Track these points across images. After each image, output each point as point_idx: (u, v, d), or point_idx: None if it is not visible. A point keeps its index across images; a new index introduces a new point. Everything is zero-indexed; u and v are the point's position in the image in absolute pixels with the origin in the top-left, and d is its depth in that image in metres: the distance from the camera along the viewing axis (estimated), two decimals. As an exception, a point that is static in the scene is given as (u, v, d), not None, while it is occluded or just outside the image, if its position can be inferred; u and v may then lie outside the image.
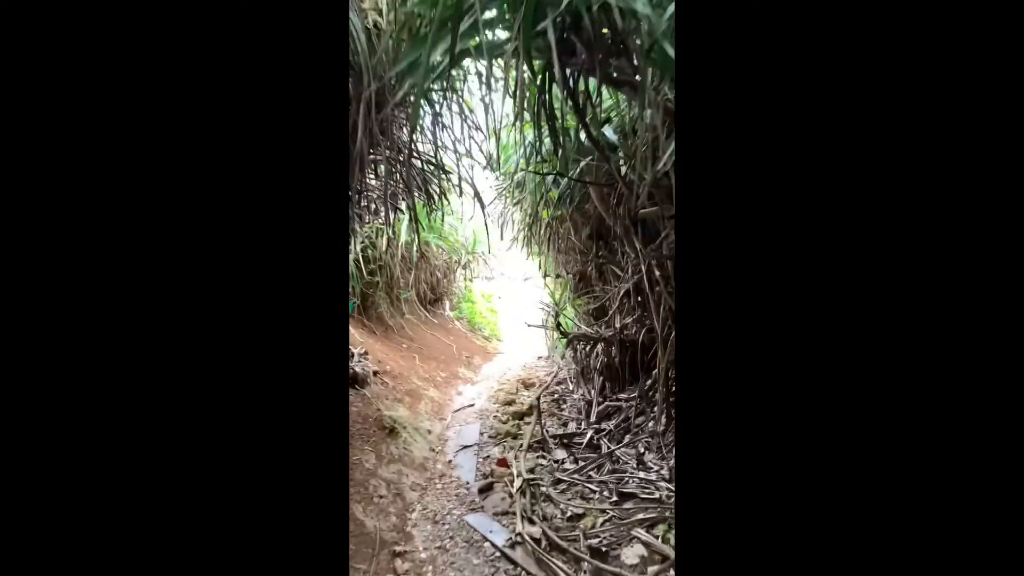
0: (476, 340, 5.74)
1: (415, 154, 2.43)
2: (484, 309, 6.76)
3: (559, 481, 2.15)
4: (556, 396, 3.41)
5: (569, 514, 1.85)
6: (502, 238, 4.15)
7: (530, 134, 2.81)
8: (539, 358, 5.26)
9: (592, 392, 3.08)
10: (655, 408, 2.54)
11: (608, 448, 2.37)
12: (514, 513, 1.90)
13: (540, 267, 5.26)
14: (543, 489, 2.04)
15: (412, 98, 1.91)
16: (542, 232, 3.66)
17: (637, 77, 1.63)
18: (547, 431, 2.65)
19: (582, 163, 2.38)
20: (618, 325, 3.06)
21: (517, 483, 2.11)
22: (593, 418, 2.82)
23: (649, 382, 2.75)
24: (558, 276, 4.27)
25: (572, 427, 2.85)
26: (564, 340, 3.45)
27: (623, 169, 2.47)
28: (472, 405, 3.40)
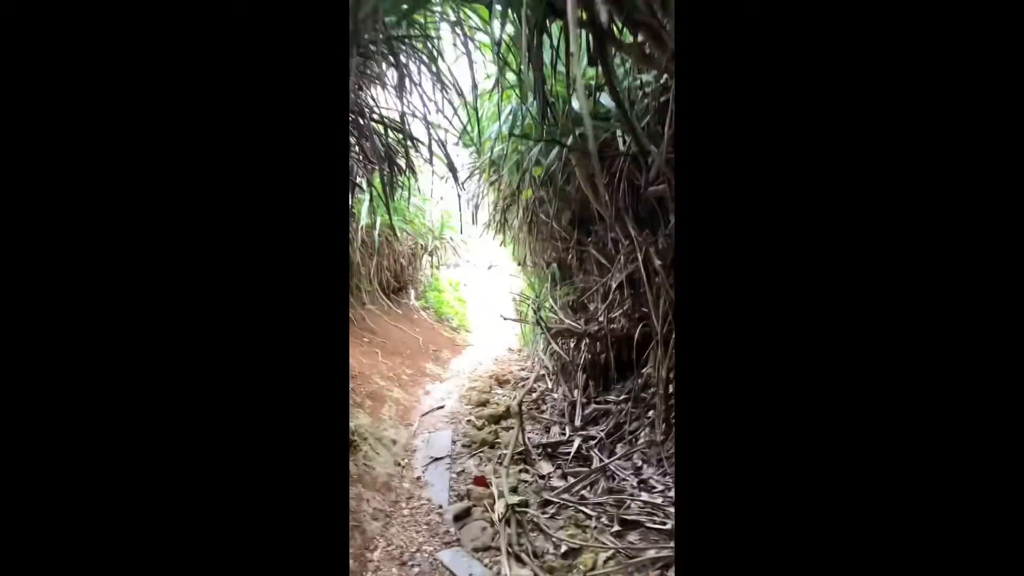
0: (444, 331, 5.38)
1: (376, 116, 2.03)
2: (452, 298, 6.39)
3: (547, 503, 1.85)
4: (535, 395, 3.12)
5: (564, 549, 1.55)
6: (474, 222, 3.78)
7: (513, 100, 2.47)
8: (510, 350, 4.97)
9: (575, 392, 2.80)
10: (651, 413, 2.28)
11: (600, 460, 2.09)
12: (497, 548, 1.59)
13: (513, 255, 4.93)
14: (530, 515, 1.74)
15: (368, 35, 1.53)
16: (520, 215, 3.32)
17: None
18: (529, 440, 2.35)
19: (577, 132, 2.05)
20: (602, 318, 2.79)
21: (499, 507, 1.79)
22: (578, 422, 2.54)
23: (640, 381, 2.49)
24: (535, 264, 3.95)
25: (555, 432, 2.56)
26: (541, 333, 3.16)
27: (623, 140, 2.17)
28: (442, 407, 3.06)
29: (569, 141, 2.02)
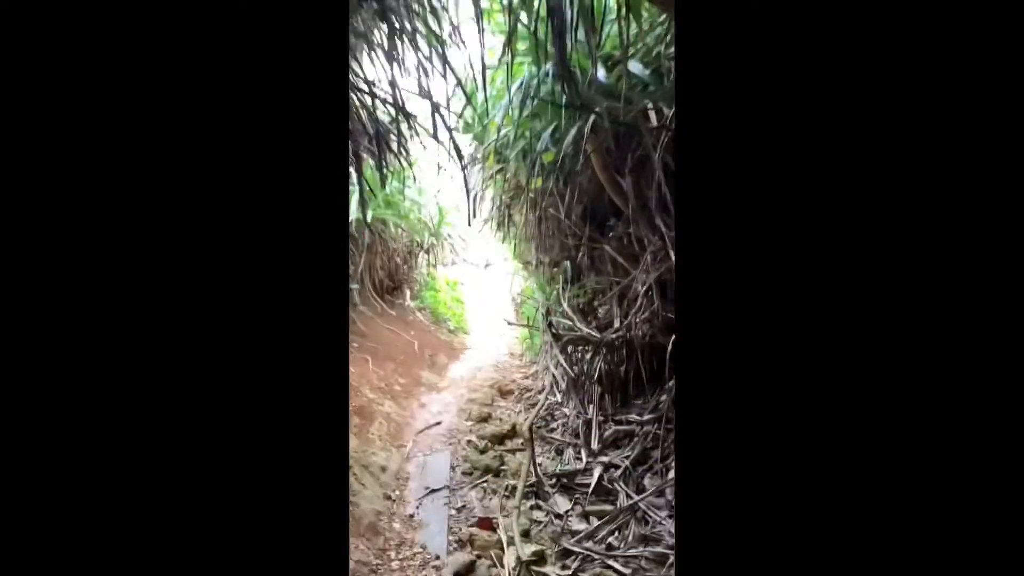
0: (441, 334, 5.03)
1: (364, 87, 1.69)
2: (449, 298, 6.05)
3: (568, 553, 1.53)
4: (542, 410, 2.79)
5: (596, 626, 1.23)
6: (474, 215, 3.45)
7: (525, 72, 2.14)
8: (511, 355, 4.64)
9: (591, 408, 2.47)
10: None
11: (628, 497, 1.76)
12: (511, 621, 1.26)
13: (514, 252, 4.59)
14: None
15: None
16: (526, 208, 3.00)
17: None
18: (541, 469, 2.02)
19: (601, 105, 1.72)
20: (618, 324, 2.47)
21: (510, 561, 1.47)
22: (595, 444, 2.21)
23: (668, 398, 2.16)
24: (540, 263, 3.62)
25: (568, 456, 2.24)
26: (548, 340, 2.84)
27: (657, 114, 1.84)
28: (439, 423, 2.73)
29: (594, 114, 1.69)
